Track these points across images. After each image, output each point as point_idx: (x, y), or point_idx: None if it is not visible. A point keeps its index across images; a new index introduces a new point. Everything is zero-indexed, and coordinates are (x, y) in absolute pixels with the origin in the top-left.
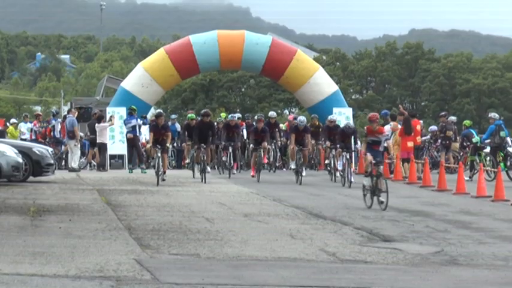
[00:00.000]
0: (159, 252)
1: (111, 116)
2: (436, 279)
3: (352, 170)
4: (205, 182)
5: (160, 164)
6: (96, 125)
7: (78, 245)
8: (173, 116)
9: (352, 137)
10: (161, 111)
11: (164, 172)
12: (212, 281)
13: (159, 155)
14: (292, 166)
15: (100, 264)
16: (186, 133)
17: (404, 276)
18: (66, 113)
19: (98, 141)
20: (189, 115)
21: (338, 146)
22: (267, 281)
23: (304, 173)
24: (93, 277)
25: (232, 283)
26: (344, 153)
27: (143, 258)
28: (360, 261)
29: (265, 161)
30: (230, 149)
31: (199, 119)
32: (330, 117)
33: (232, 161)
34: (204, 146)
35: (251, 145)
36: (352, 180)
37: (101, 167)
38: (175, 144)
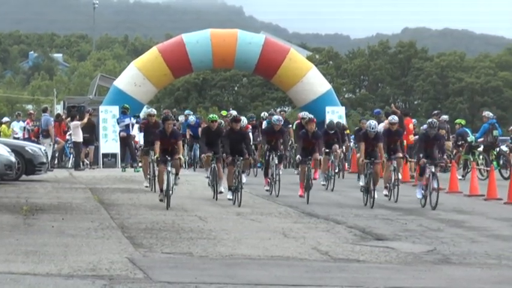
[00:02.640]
0: (152, 251)
1: (88, 113)
2: (428, 277)
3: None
4: (240, 205)
5: (171, 181)
6: (71, 123)
7: (71, 243)
8: (188, 112)
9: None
10: (169, 113)
11: (177, 174)
12: (205, 280)
13: (169, 169)
14: (361, 183)
15: (93, 263)
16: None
17: (397, 275)
18: (58, 111)
19: (72, 140)
20: (211, 116)
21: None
22: (260, 280)
23: (376, 195)
24: (85, 276)
25: (225, 282)
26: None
27: (136, 257)
28: (353, 260)
29: (316, 176)
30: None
31: (219, 122)
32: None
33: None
34: (242, 159)
35: (271, 155)
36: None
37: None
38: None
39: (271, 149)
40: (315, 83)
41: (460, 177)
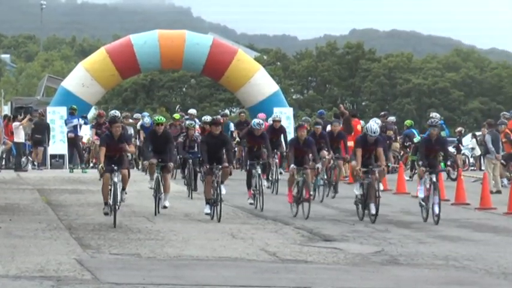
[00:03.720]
0: (100, 252)
1: (40, 114)
2: (376, 278)
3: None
4: (219, 220)
5: (118, 195)
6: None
7: (19, 244)
8: (144, 114)
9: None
10: (117, 113)
11: (124, 189)
12: (153, 281)
13: (115, 180)
14: (356, 191)
15: (40, 264)
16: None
17: (344, 276)
18: (5, 112)
19: (14, 140)
20: (156, 118)
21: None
22: (208, 281)
23: (373, 209)
24: (33, 277)
25: (173, 283)
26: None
27: (84, 258)
28: (301, 261)
29: (307, 195)
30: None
31: (194, 126)
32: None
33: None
34: (220, 167)
35: (253, 163)
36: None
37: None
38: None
39: (254, 157)
40: (263, 84)
41: (407, 178)
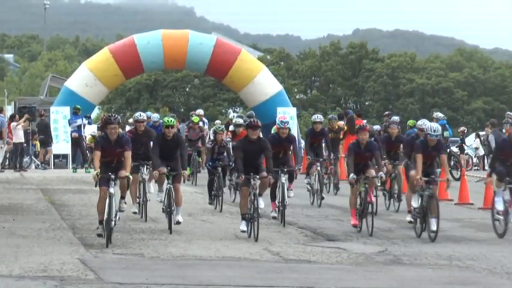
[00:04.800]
0: (103, 251)
1: (40, 114)
2: (380, 278)
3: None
4: (257, 239)
5: (114, 208)
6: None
7: (22, 244)
8: (199, 111)
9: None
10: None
11: (123, 198)
12: (156, 281)
13: (112, 191)
14: (414, 204)
15: (44, 264)
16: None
17: (348, 276)
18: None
19: (13, 141)
20: (166, 119)
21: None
22: (211, 281)
23: (434, 226)
24: (37, 277)
25: (176, 283)
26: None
27: (87, 258)
28: (304, 261)
29: (372, 199)
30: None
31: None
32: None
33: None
34: (257, 177)
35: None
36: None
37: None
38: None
39: (279, 164)
40: (266, 83)
41: None
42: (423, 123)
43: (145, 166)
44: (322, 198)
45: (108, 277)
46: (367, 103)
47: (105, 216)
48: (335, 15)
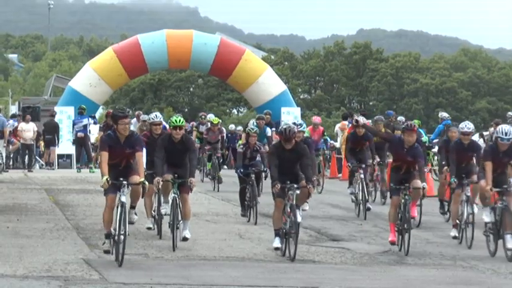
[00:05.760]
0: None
1: (50, 114)
2: (384, 278)
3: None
4: (293, 259)
5: (125, 220)
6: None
7: (26, 244)
8: (211, 116)
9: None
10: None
11: (133, 207)
12: (160, 281)
13: (123, 199)
14: (486, 218)
15: (48, 264)
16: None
17: (352, 276)
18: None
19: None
20: (174, 119)
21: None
22: (215, 281)
23: (510, 243)
24: (41, 277)
25: (180, 283)
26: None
27: (91, 258)
28: (308, 261)
29: (415, 214)
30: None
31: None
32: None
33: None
34: (295, 187)
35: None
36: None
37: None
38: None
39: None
40: (271, 83)
41: None
42: (465, 125)
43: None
44: (368, 209)
45: (112, 277)
46: (371, 103)
47: (115, 229)
48: (339, 15)
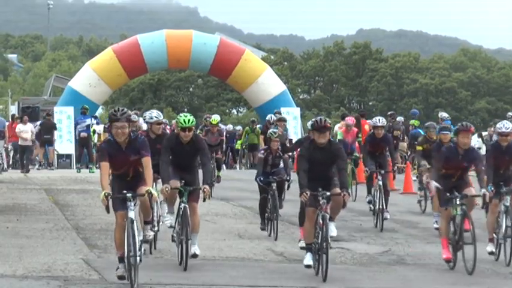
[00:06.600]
0: (107, 252)
1: (46, 114)
2: (383, 278)
3: None
4: (325, 279)
5: (137, 239)
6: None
7: (26, 244)
8: (217, 117)
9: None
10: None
11: (147, 223)
12: (160, 281)
13: (132, 216)
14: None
15: (48, 264)
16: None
17: (352, 276)
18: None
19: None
20: (182, 118)
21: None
22: (214, 281)
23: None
24: (40, 277)
25: (180, 283)
26: None
27: (91, 258)
28: None
29: (469, 226)
30: None
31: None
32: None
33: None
34: (328, 194)
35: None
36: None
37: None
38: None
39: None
40: (270, 83)
41: (414, 178)
42: (503, 125)
43: (157, 180)
44: (385, 218)
45: (112, 277)
46: (370, 103)
47: (126, 250)
48: (339, 15)
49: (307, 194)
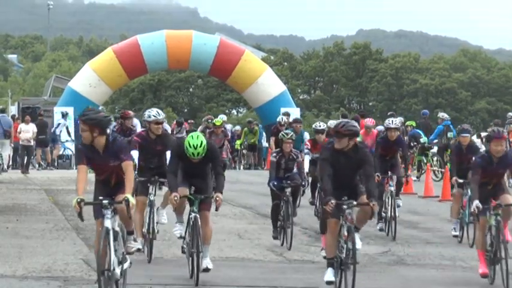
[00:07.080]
0: None
1: (38, 114)
2: (383, 279)
3: None
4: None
5: (119, 252)
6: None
7: (26, 245)
8: (223, 117)
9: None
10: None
11: (130, 233)
12: (160, 281)
13: (114, 226)
14: None
15: (47, 264)
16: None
17: (352, 276)
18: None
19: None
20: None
21: None
22: (214, 281)
23: None
24: (40, 277)
25: (180, 283)
26: None
27: (91, 258)
28: (308, 261)
29: (509, 237)
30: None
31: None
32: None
33: None
34: (353, 203)
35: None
36: None
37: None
38: None
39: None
40: (270, 84)
41: (414, 178)
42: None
43: (157, 184)
44: (398, 206)
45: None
46: (370, 103)
47: (107, 264)
48: (339, 15)
49: (332, 203)
